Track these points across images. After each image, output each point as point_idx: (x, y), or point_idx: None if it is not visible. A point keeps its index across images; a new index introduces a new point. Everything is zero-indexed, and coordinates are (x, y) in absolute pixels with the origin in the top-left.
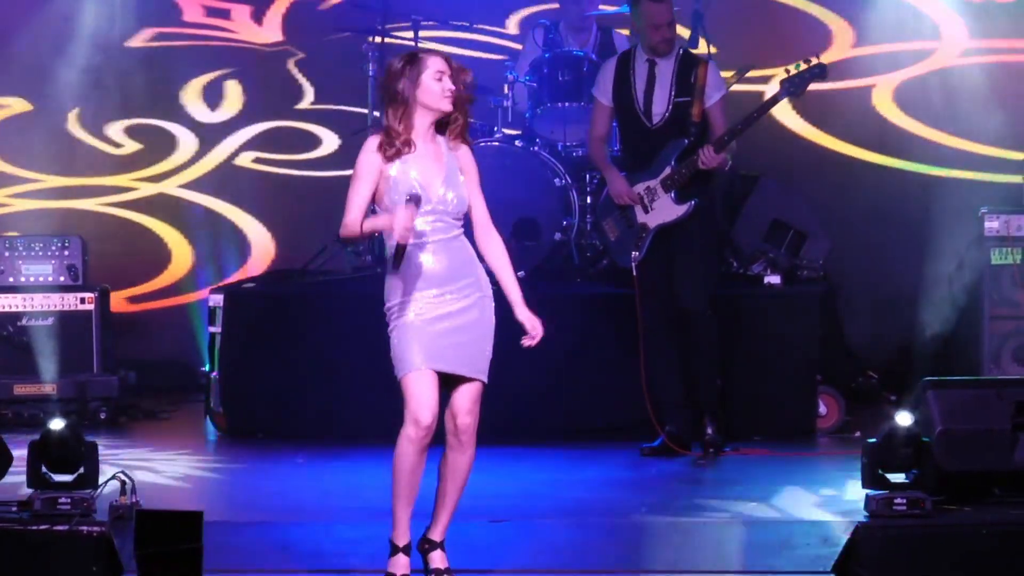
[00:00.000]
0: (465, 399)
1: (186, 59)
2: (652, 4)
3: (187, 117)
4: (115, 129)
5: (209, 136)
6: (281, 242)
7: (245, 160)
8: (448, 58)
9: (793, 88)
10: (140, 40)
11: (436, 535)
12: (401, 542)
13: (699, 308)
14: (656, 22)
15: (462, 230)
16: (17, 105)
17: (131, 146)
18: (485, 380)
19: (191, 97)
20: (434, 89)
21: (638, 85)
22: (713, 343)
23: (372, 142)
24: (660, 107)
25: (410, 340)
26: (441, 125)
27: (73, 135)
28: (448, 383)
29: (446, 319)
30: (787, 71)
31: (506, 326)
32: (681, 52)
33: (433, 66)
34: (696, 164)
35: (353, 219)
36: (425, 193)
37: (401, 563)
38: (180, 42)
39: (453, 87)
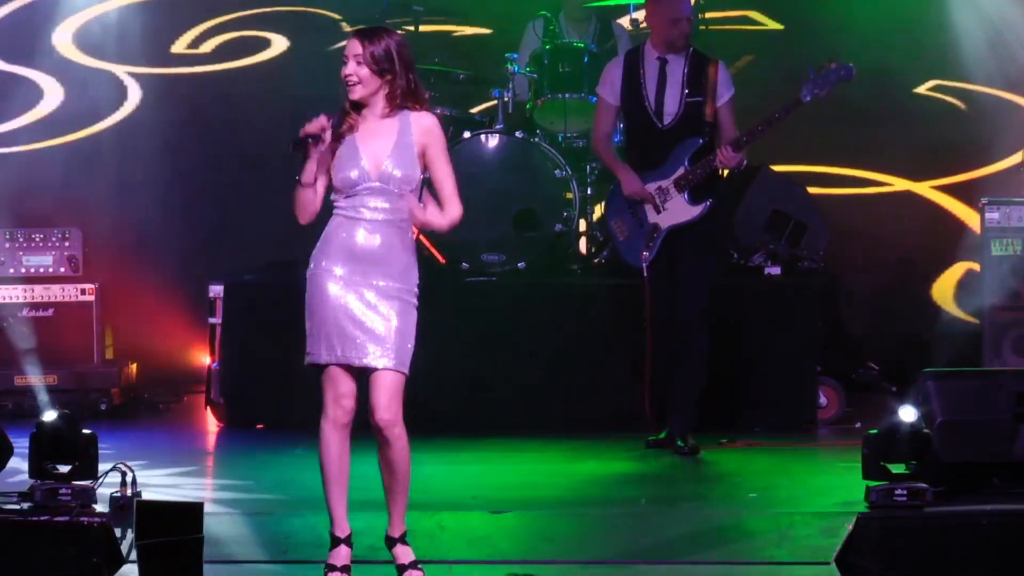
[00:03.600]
0: (380, 394)
1: None
2: None
3: None
4: None
5: None
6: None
7: None
8: (361, 37)
9: (817, 90)
10: None
11: (393, 531)
12: (340, 533)
13: (697, 315)
14: (675, 16)
15: (407, 215)
16: None
17: None
18: (404, 372)
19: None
20: (342, 75)
21: (648, 84)
22: (704, 351)
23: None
24: (672, 107)
25: (321, 322)
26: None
27: None
28: (363, 372)
29: (360, 302)
30: (810, 71)
31: (504, 318)
32: (691, 51)
33: (345, 50)
34: (711, 164)
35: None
36: (366, 171)
37: (341, 555)
38: None
39: (349, 72)
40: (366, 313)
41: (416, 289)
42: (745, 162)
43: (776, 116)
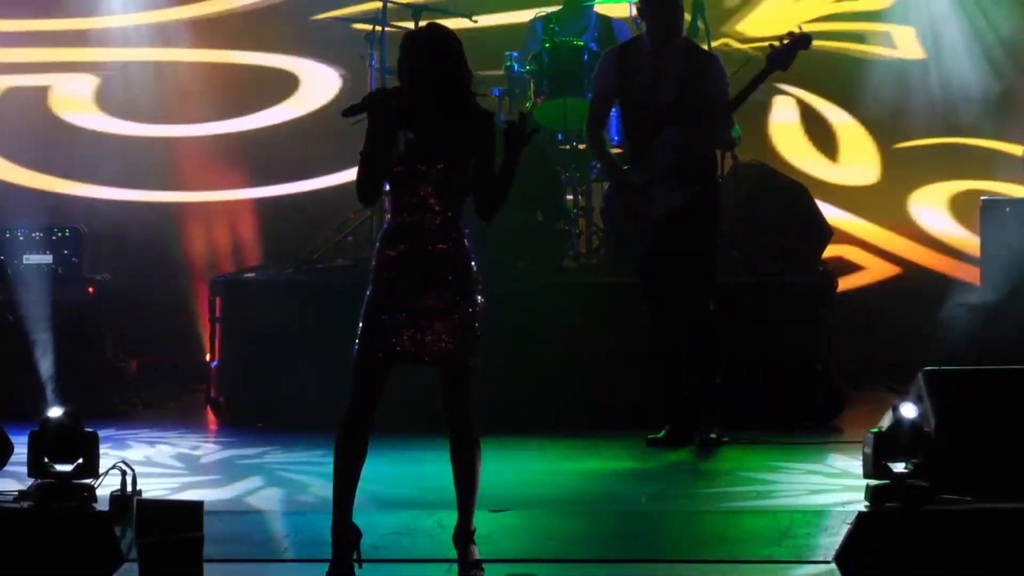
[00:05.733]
0: (448, 391)
1: None
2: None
3: None
4: None
5: None
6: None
7: None
8: (414, 44)
9: (779, 62)
10: None
11: (460, 527)
12: (340, 531)
13: (699, 300)
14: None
15: (458, 214)
16: None
17: None
18: (470, 366)
19: None
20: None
21: (643, 75)
22: (713, 335)
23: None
24: (665, 97)
25: (370, 323)
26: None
27: None
28: (432, 368)
29: (412, 301)
30: (772, 45)
31: (502, 317)
32: (686, 43)
33: (400, 54)
34: (691, 153)
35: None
36: (413, 158)
37: (341, 552)
38: None
39: (403, 80)
40: (427, 311)
41: (478, 284)
42: (736, 143)
43: (743, 93)
